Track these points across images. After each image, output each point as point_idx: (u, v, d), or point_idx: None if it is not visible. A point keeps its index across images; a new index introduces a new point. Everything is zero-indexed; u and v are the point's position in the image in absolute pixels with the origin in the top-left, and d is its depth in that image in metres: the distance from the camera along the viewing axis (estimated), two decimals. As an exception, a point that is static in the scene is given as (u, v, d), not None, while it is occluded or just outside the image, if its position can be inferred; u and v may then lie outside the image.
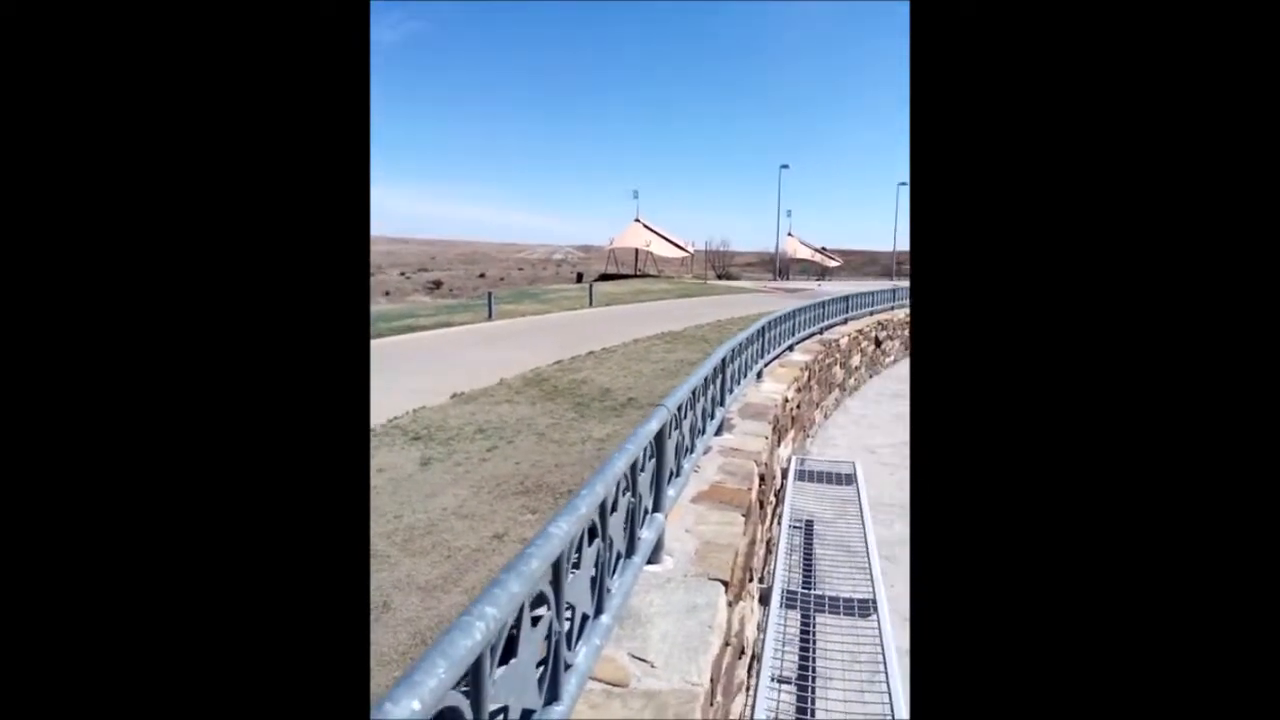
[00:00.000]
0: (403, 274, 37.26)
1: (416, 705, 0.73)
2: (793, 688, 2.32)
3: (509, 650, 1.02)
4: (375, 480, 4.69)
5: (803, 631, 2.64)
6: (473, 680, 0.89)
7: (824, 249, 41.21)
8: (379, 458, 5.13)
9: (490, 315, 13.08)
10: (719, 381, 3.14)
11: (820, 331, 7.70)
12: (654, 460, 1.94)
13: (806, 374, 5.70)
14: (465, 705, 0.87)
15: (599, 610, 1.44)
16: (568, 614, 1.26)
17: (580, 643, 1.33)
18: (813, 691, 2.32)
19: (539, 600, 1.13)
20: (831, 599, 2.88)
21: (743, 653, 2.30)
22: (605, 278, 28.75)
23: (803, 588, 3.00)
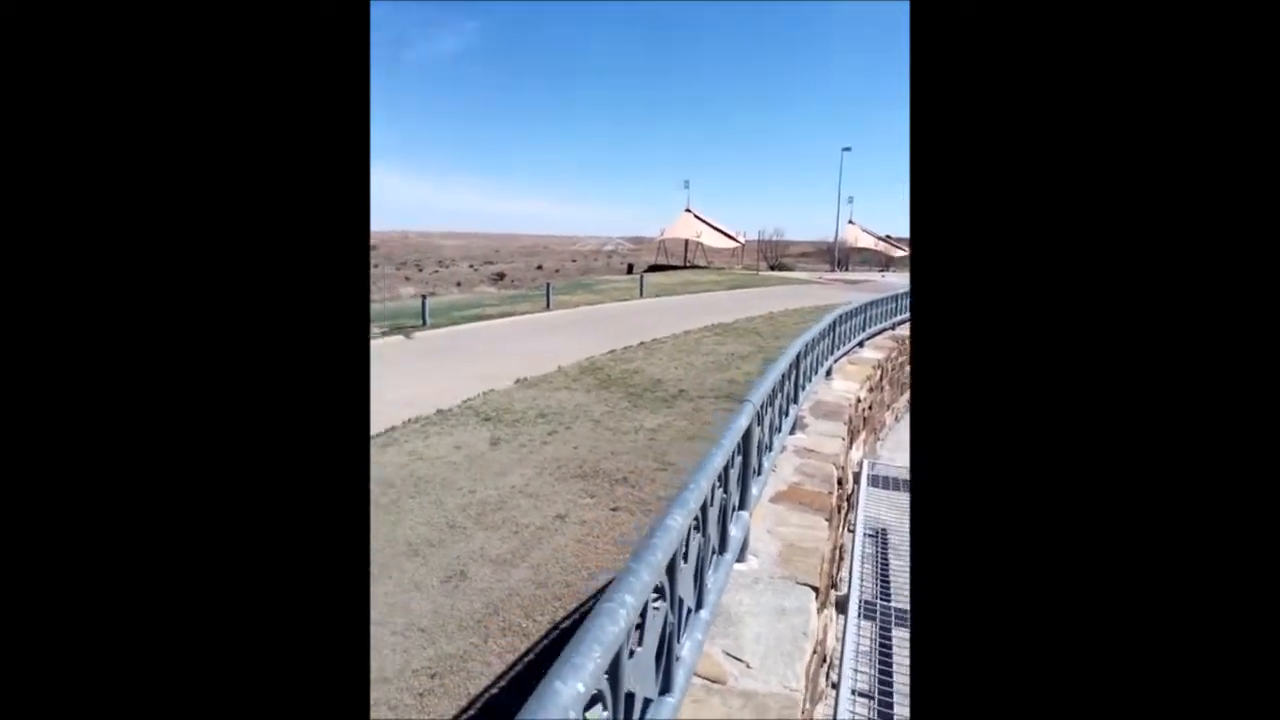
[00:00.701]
0: (471, 266, 38.86)
1: (580, 688, 0.77)
2: (874, 702, 2.27)
3: (637, 638, 1.06)
4: (453, 456, 4.93)
5: (881, 644, 2.58)
6: (613, 665, 0.92)
7: (889, 237, 38.87)
8: (456, 436, 5.39)
9: (549, 305, 13.35)
10: (794, 377, 3.09)
11: (893, 327, 7.37)
12: (740, 456, 1.95)
13: (879, 372, 5.49)
14: (607, 689, 0.91)
15: (699, 604, 1.47)
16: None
17: (685, 636, 1.37)
18: (894, 709, 2.27)
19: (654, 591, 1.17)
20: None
21: (825, 661, 2.29)
22: (655, 269, 28.65)
23: (880, 599, 2.93)
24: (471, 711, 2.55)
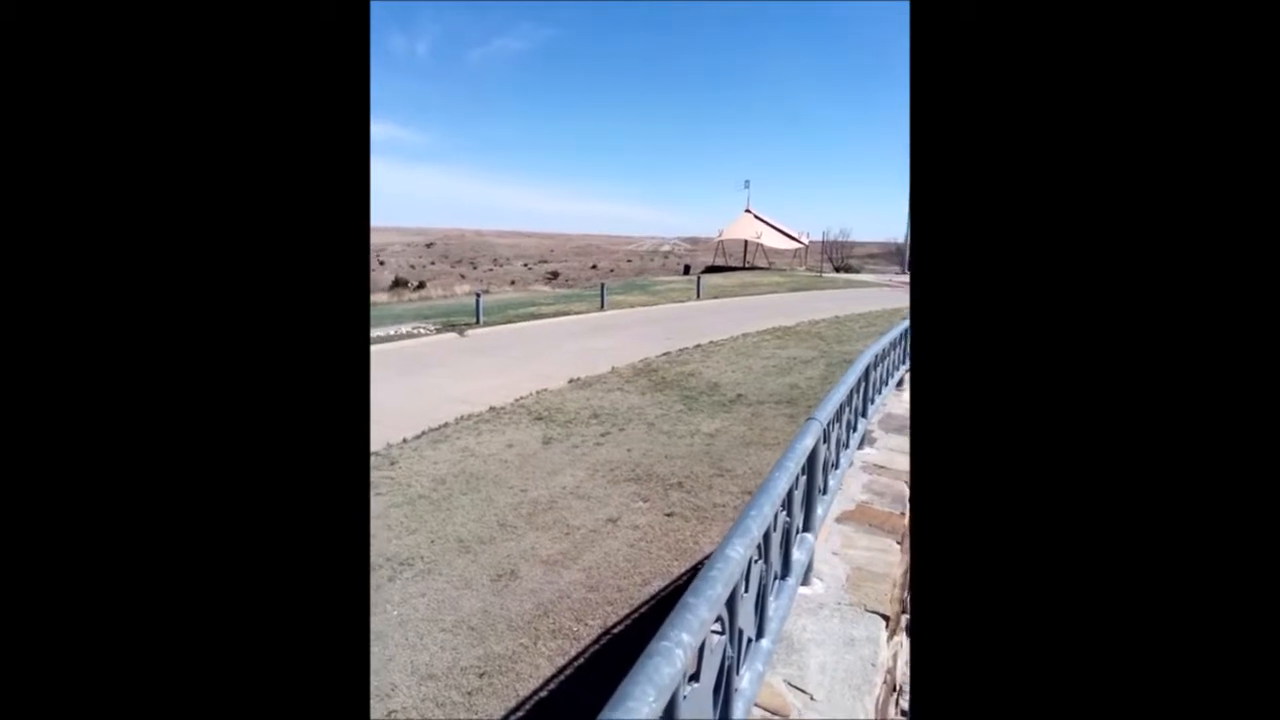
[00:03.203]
0: (525, 264, 40.16)
1: (634, 733, 0.71)
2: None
3: (694, 671, 0.99)
4: (505, 455, 5.04)
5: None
6: (668, 708, 0.86)
7: (960, 241, 36.71)
8: (508, 434, 5.50)
9: (603, 305, 13.48)
10: (862, 390, 2.90)
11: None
12: (805, 476, 1.82)
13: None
14: (662, 729, 0.84)
15: (760, 633, 1.37)
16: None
17: (744, 667, 1.28)
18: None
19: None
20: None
21: (895, 689, 2.12)
22: (712, 270, 28.36)
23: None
24: (520, 713, 2.55)
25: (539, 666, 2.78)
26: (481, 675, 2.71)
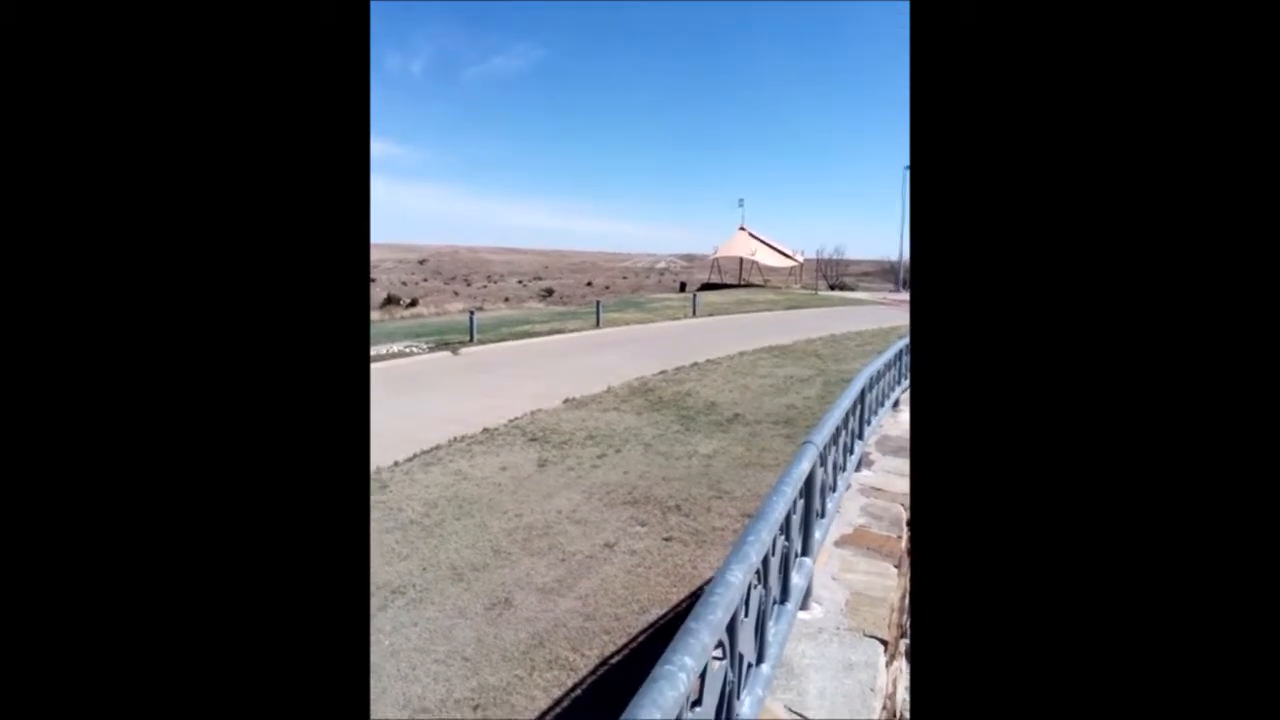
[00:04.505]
0: (520, 281, 40.35)
1: (640, 759, 0.71)
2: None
3: (696, 696, 0.99)
4: (499, 478, 5.00)
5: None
6: (672, 732, 0.86)
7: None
8: (502, 456, 5.47)
9: (598, 323, 13.54)
10: (858, 412, 2.92)
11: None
12: (802, 500, 1.83)
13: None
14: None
15: (760, 658, 1.37)
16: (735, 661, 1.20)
17: (745, 692, 1.27)
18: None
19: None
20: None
21: (895, 715, 2.10)
22: (708, 287, 28.61)
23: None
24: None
25: (535, 699, 2.72)
26: (475, 708, 2.65)
